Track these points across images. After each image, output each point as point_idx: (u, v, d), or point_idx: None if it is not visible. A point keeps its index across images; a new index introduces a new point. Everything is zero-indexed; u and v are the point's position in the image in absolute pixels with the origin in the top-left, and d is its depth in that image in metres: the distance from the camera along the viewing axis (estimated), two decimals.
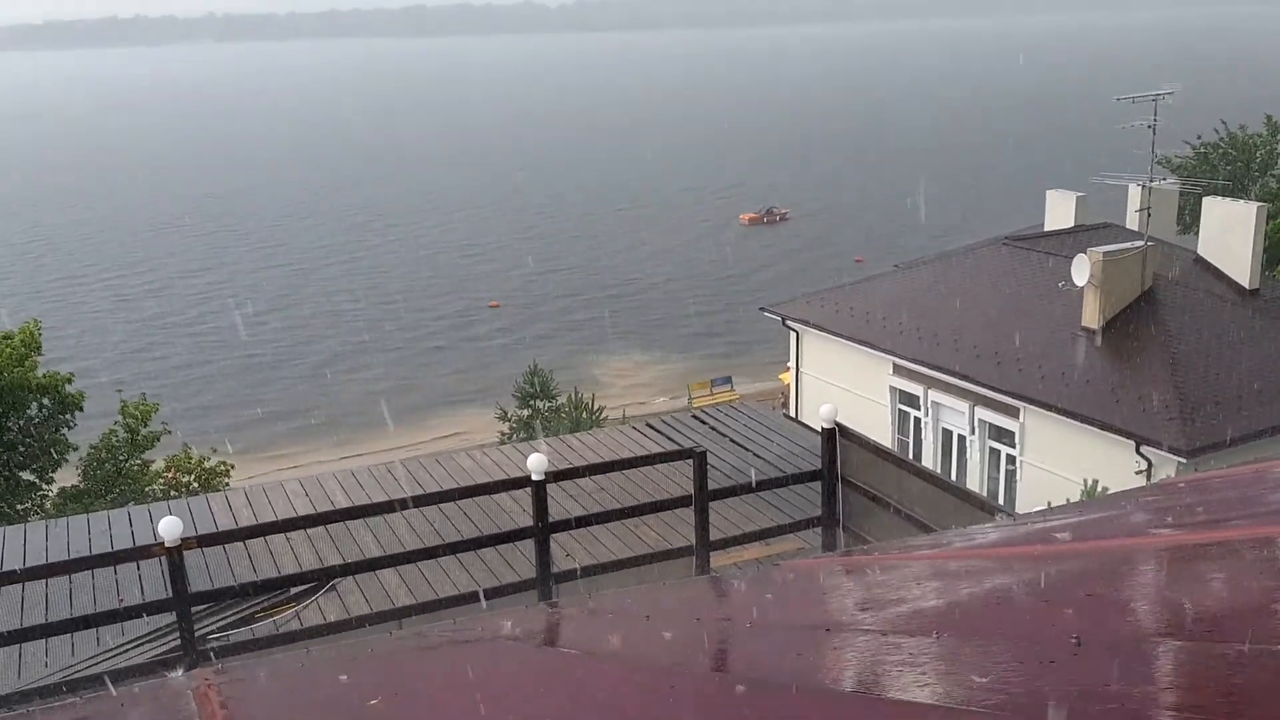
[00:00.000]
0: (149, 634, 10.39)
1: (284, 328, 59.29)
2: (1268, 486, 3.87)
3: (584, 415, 33.73)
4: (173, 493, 21.52)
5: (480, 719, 2.09)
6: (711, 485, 10.81)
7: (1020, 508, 17.41)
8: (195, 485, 22.10)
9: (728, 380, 44.40)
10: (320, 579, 10.81)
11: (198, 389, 49.25)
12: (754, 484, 11.32)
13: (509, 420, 34.77)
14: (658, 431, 14.94)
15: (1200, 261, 26.32)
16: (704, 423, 15.18)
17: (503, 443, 27.84)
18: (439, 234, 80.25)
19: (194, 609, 9.76)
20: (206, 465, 22.89)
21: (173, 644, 9.95)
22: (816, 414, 11.04)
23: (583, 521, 10.84)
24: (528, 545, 10.72)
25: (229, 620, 10.76)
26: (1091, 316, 21.92)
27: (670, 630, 2.58)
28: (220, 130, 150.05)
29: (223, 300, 63.93)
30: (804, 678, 1.80)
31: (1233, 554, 2.31)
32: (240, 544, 11.11)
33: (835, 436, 10.72)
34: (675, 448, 13.17)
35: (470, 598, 10.44)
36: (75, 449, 22.13)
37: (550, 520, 10.33)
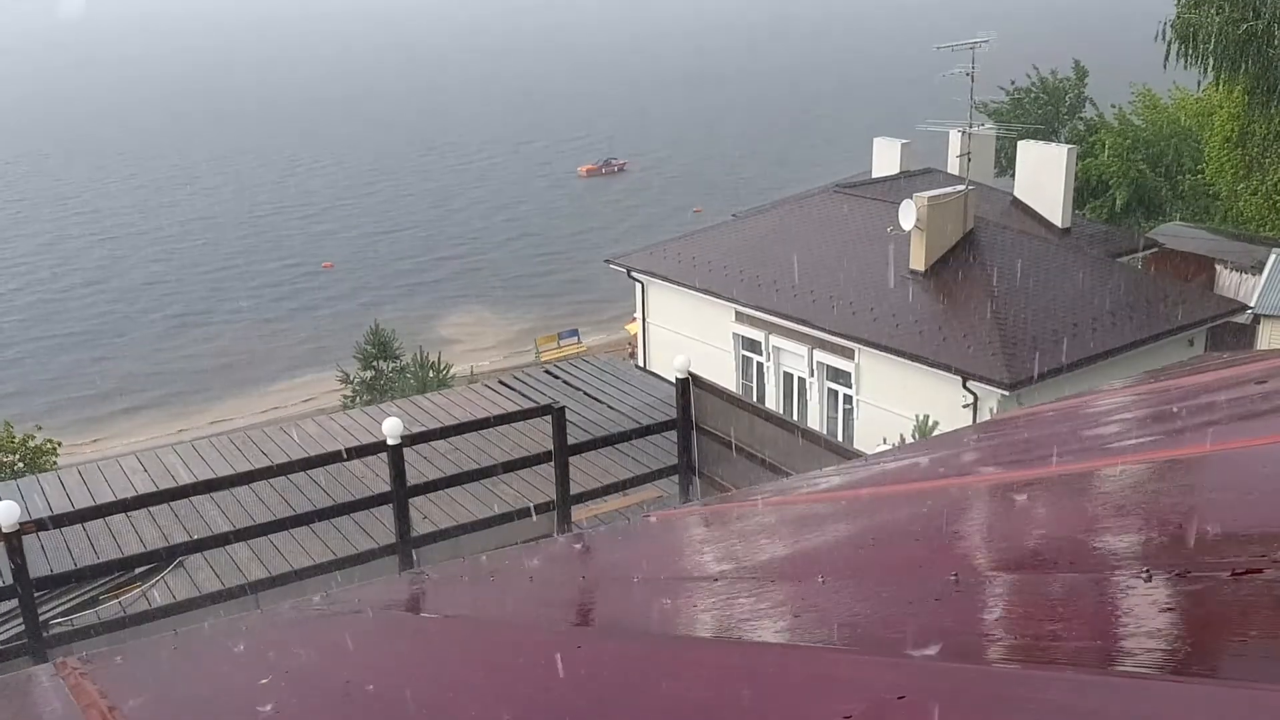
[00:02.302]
0: None
1: (102, 300, 55.96)
2: (1086, 420, 4.22)
3: (431, 375, 33.30)
4: None
5: (371, 691, 2.11)
6: (569, 440, 10.94)
7: (858, 444, 18.13)
8: (20, 465, 20.91)
9: (575, 333, 44.53)
10: (166, 557, 10.49)
11: (13, 367, 46.30)
12: (611, 436, 11.51)
13: (352, 384, 34.03)
14: (510, 389, 14.94)
15: (1017, 203, 27.81)
16: (557, 377, 15.26)
17: (347, 407, 27.28)
18: (264, 194, 77.04)
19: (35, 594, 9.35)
20: (31, 444, 21.66)
21: (14, 631, 9.52)
22: (666, 364, 11.29)
23: (441, 484, 10.82)
24: (382, 511, 10.62)
25: (72, 604, 10.34)
26: (918, 259, 22.88)
27: (558, 590, 2.66)
28: (21, 86, 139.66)
29: (34, 273, 59.97)
30: (698, 628, 1.91)
31: (1065, 487, 2.54)
32: (79, 525, 10.64)
33: (689, 386, 10.99)
34: (530, 404, 13.22)
35: (327, 567, 10.33)
36: None
37: (408, 485, 10.27)
